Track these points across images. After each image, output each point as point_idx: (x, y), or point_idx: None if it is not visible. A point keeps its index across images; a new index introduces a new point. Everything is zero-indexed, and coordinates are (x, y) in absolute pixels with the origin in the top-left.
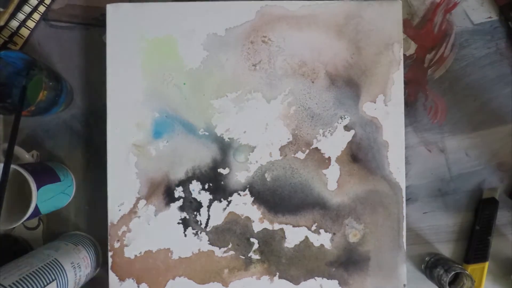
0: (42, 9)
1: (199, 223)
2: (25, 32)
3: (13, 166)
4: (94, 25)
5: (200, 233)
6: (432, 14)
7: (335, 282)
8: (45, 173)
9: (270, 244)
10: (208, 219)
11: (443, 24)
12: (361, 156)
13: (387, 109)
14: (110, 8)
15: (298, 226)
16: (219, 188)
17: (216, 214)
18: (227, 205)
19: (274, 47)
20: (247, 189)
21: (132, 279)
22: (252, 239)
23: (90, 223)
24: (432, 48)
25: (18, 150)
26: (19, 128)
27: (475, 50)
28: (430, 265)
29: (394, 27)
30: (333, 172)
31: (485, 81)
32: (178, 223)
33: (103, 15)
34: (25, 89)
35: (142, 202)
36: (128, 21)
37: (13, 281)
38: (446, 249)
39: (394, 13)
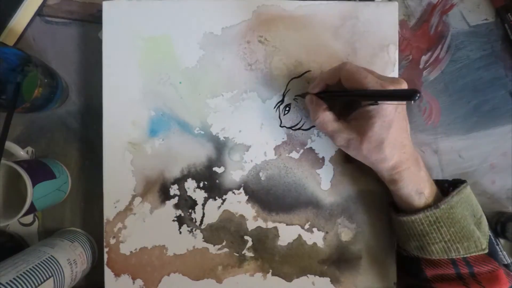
0: (37, 4)
1: (194, 220)
2: (20, 27)
3: (8, 163)
4: (90, 21)
5: (195, 230)
6: (428, 16)
7: (327, 279)
8: (40, 170)
9: (263, 242)
10: (202, 217)
11: (439, 26)
12: None
13: None
14: (106, 5)
15: (292, 224)
16: (214, 187)
17: (211, 212)
18: (222, 203)
19: (270, 47)
20: (241, 188)
21: (128, 275)
22: (246, 237)
23: (85, 219)
24: (427, 50)
25: (13, 146)
26: (14, 124)
27: (471, 52)
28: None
29: (390, 28)
30: (326, 172)
31: (480, 83)
32: (173, 220)
33: (99, 11)
34: (19, 86)
35: (138, 199)
36: (124, 18)
37: (10, 278)
38: None
39: (391, 14)
